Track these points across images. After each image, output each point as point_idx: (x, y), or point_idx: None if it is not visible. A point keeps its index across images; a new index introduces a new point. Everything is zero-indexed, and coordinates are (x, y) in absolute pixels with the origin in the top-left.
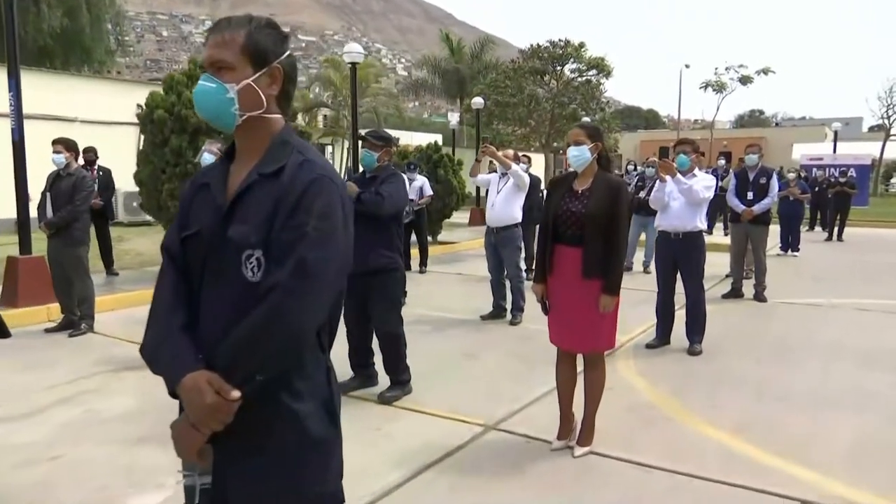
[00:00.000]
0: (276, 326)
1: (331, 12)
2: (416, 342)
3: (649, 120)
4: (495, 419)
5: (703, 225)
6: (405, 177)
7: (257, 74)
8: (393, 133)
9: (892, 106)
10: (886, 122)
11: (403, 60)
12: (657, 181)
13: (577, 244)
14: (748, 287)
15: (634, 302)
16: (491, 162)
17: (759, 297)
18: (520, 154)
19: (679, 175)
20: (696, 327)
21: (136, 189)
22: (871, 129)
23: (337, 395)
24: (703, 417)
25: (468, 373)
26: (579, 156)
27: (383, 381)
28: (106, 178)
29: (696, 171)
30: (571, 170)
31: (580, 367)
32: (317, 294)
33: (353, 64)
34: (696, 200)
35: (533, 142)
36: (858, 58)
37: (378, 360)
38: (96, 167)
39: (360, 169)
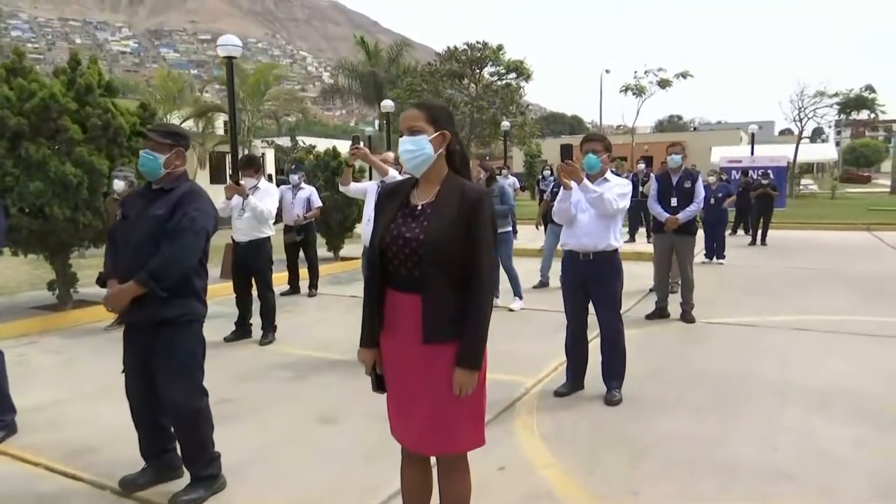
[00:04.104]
0: None
1: (253, 20)
2: (264, 399)
3: (574, 126)
4: None
5: (618, 242)
6: (276, 189)
7: None
8: (310, 140)
9: (803, 109)
10: (798, 124)
11: (329, 68)
12: (561, 189)
13: (415, 289)
14: (674, 304)
15: (551, 329)
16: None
17: (687, 317)
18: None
19: (586, 181)
20: (613, 368)
21: None
22: (782, 132)
23: None
24: None
25: (316, 449)
26: (416, 151)
27: None
28: None
29: (609, 174)
30: (407, 173)
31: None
32: None
33: (230, 58)
34: (609, 211)
35: None
36: (767, 63)
37: None
38: None
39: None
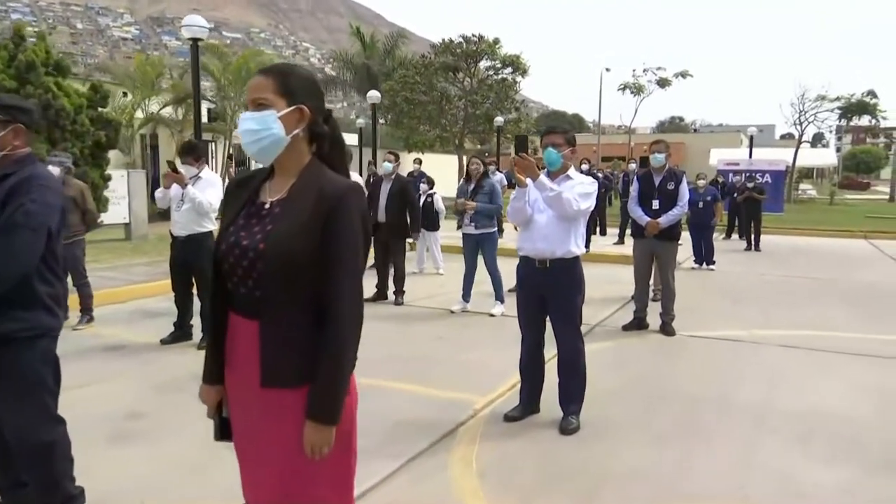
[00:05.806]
0: None
1: (256, 9)
2: (179, 413)
3: (574, 124)
4: None
5: (579, 249)
6: (220, 179)
7: None
8: None
9: (803, 112)
10: (799, 128)
11: (332, 61)
12: (517, 187)
13: (255, 314)
14: (654, 314)
15: (513, 338)
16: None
17: (667, 329)
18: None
19: (543, 177)
20: (571, 392)
21: None
22: (783, 136)
23: None
24: None
25: (219, 480)
26: (260, 132)
27: None
28: None
29: (572, 171)
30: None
31: None
32: None
33: (195, 40)
34: (569, 213)
35: (448, 144)
36: (772, 66)
37: None
38: None
39: None
